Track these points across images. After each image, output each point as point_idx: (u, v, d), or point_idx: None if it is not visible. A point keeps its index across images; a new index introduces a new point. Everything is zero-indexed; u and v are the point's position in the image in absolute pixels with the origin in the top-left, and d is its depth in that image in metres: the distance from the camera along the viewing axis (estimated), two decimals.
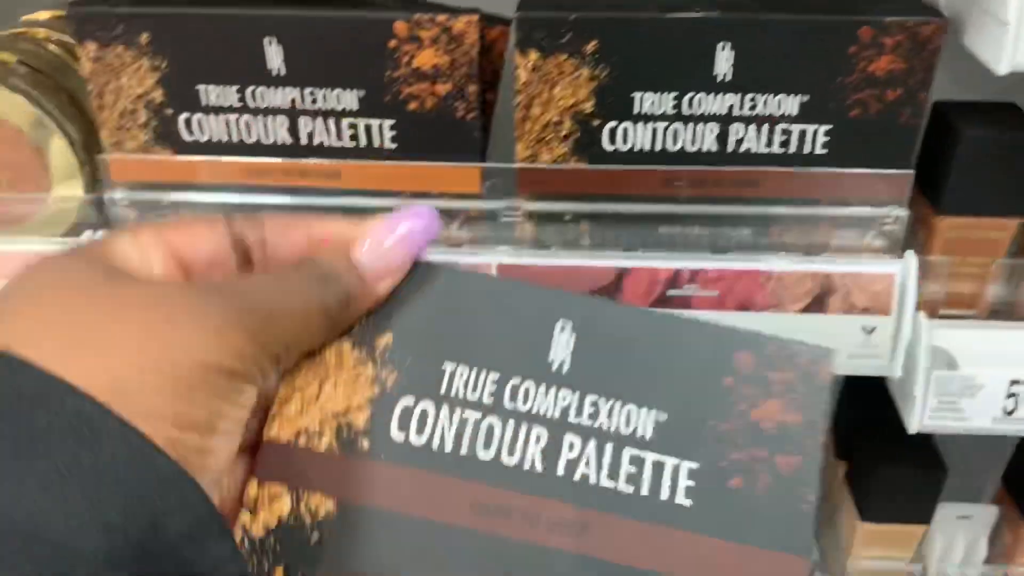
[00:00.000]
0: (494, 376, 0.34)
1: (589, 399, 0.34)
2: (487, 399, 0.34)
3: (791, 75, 0.50)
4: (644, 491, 0.33)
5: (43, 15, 0.60)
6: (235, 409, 0.27)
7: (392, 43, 0.51)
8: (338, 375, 0.34)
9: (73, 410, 0.22)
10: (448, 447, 0.33)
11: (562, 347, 0.34)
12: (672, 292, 0.54)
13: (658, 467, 0.33)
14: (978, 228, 0.54)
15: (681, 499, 0.33)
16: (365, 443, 0.33)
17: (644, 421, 0.34)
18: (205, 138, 0.54)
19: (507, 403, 0.34)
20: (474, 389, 0.34)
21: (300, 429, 0.33)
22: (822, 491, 0.72)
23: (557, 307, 0.35)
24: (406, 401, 0.33)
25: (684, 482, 0.33)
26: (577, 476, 0.33)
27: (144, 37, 0.51)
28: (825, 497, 0.73)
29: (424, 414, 0.34)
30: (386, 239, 0.32)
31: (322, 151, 0.54)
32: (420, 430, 0.33)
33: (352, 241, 0.32)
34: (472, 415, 0.34)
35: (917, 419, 0.56)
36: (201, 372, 0.25)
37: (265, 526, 0.32)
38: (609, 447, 0.33)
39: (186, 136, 0.54)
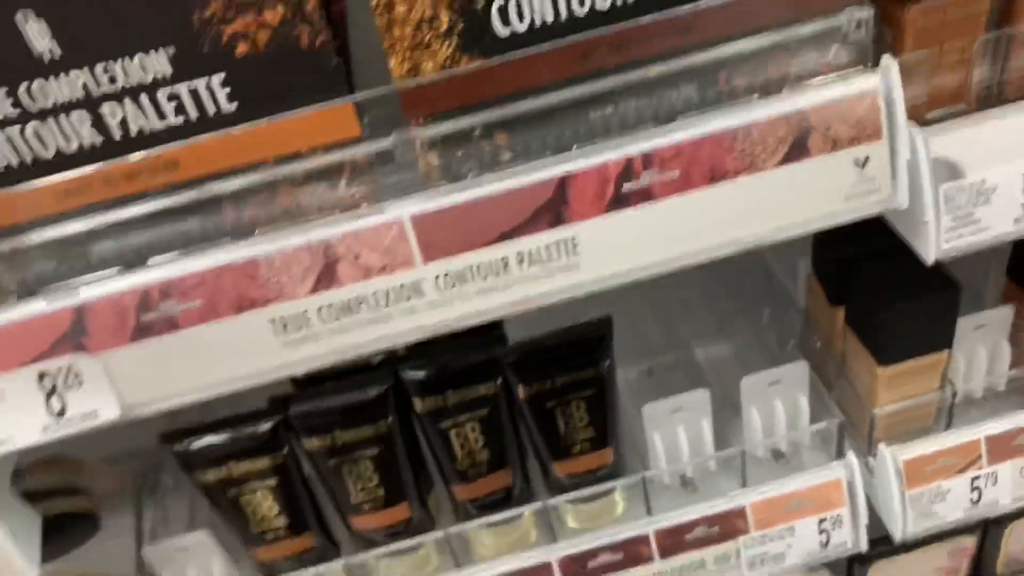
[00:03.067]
0: None
1: None
2: None
3: None
4: None
5: None
6: None
7: None
8: None
9: None
10: (549, 20, 0.40)
11: None
12: (628, 186, 0.44)
13: None
14: (954, 5, 0.44)
15: None
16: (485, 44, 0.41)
17: None
18: None
19: None
20: None
21: (417, 21, 0.39)
22: (822, 342, 0.64)
23: None
24: (498, 2, 0.39)
25: None
26: None
27: None
28: (827, 349, 0.66)
29: (519, 4, 0.40)
30: None
31: (144, 140, 0.41)
32: (520, 18, 0.40)
33: None
34: None
35: (933, 246, 0.48)
36: None
37: None
38: None
39: None
